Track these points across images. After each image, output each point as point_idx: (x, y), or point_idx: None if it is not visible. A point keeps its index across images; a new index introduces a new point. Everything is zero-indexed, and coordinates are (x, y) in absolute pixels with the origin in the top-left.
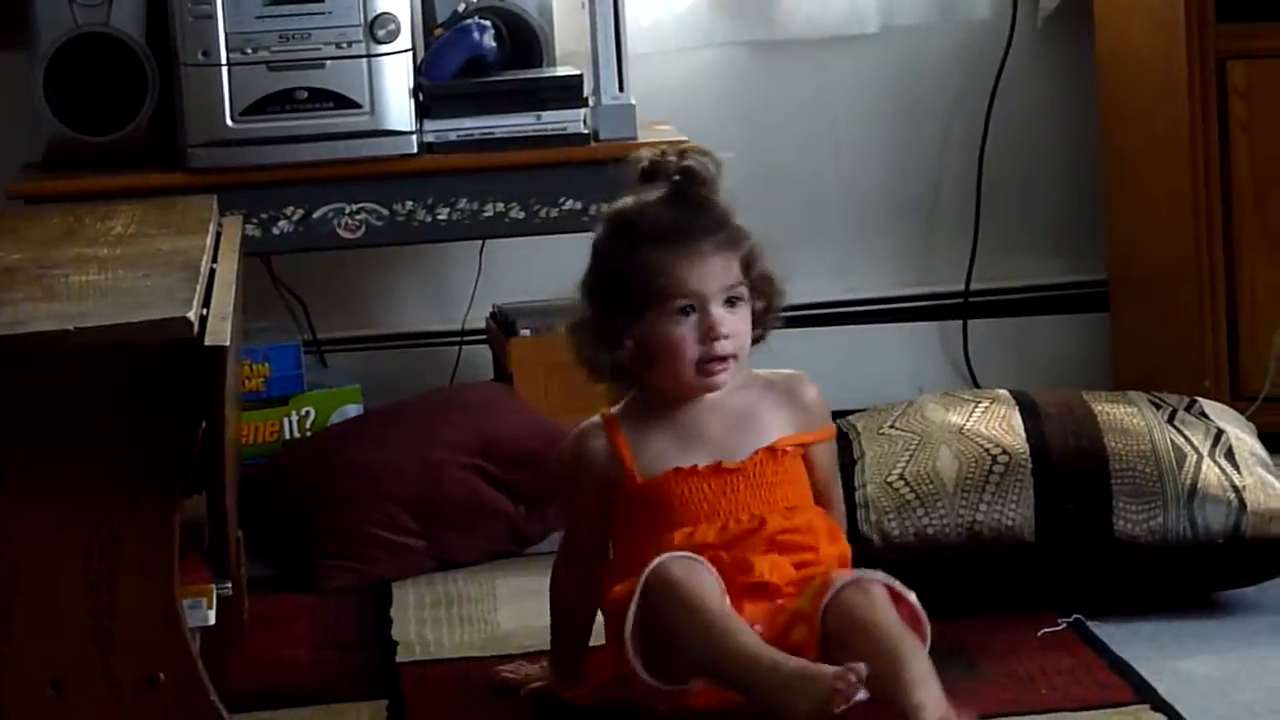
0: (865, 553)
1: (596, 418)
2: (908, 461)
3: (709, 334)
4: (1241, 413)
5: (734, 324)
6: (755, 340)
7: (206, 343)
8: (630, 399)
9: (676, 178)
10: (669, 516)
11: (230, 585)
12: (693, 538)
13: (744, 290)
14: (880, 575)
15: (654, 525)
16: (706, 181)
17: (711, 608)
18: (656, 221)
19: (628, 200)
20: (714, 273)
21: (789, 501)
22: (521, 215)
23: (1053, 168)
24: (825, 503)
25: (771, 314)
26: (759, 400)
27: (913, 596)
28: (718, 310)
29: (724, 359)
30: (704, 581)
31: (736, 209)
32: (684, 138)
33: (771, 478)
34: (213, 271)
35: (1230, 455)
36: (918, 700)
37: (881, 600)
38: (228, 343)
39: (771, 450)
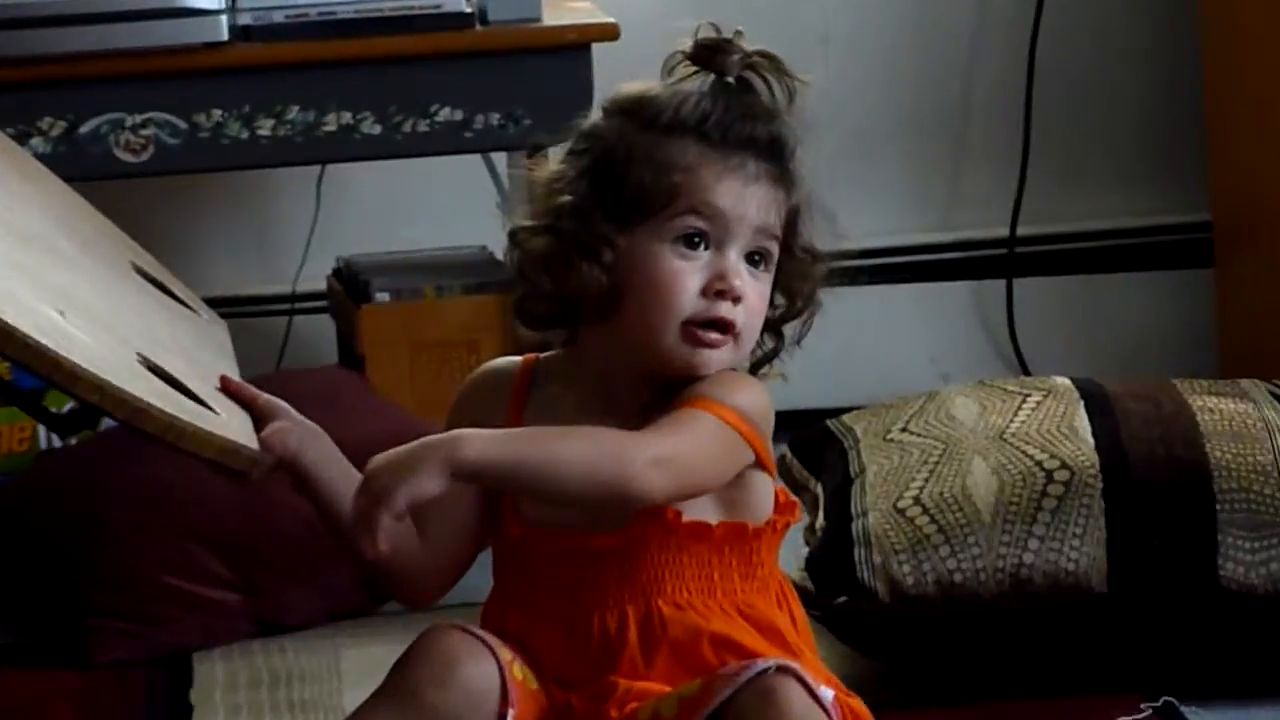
0: (868, 608)
1: (516, 362)
2: (927, 479)
3: (716, 283)
4: None
5: (751, 289)
6: (767, 352)
7: None
8: (556, 361)
9: (741, 73)
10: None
11: None
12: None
13: (774, 249)
14: (789, 665)
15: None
16: (774, 97)
17: None
18: (697, 107)
19: (652, 85)
20: (753, 201)
21: (683, 582)
22: (377, 130)
23: (1133, 73)
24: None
25: (790, 317)
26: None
27: (830, 696)
28: (736, 258)
29: (727, 326)
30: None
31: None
32: (610, 19)
33: (655, 553)
34: None
35: None
36: None
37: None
38: None
39: (655, 515)
